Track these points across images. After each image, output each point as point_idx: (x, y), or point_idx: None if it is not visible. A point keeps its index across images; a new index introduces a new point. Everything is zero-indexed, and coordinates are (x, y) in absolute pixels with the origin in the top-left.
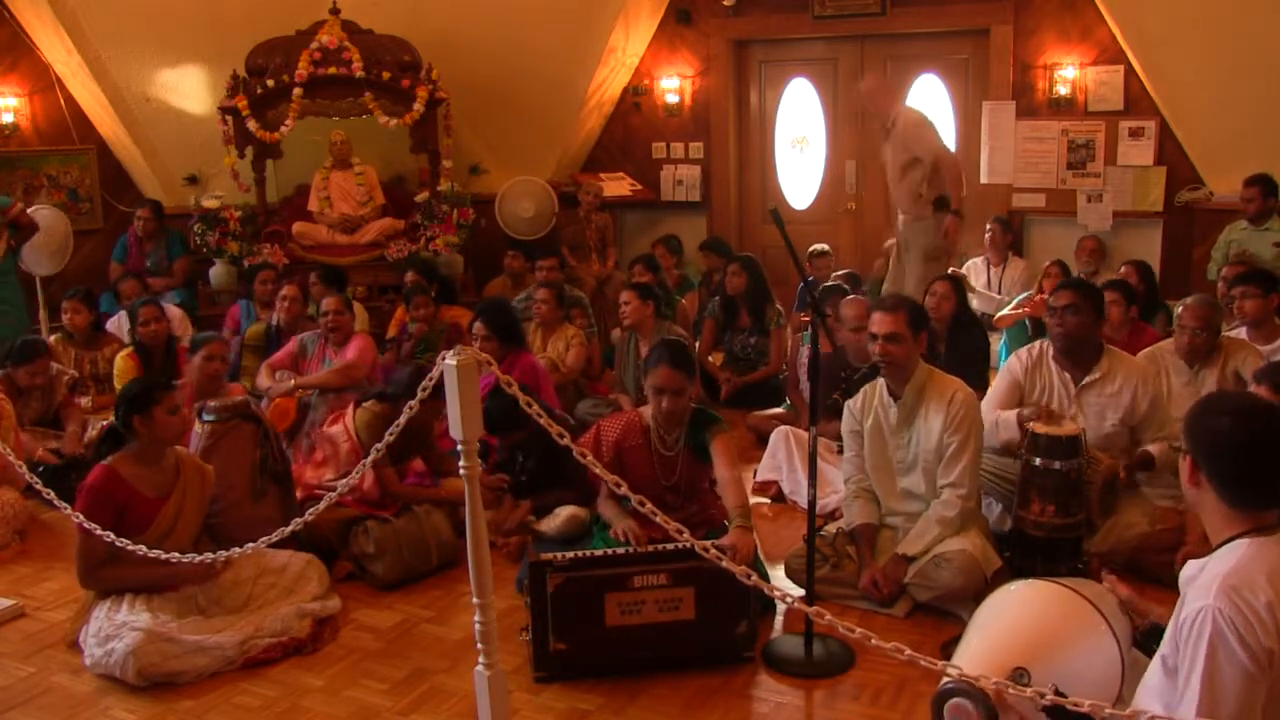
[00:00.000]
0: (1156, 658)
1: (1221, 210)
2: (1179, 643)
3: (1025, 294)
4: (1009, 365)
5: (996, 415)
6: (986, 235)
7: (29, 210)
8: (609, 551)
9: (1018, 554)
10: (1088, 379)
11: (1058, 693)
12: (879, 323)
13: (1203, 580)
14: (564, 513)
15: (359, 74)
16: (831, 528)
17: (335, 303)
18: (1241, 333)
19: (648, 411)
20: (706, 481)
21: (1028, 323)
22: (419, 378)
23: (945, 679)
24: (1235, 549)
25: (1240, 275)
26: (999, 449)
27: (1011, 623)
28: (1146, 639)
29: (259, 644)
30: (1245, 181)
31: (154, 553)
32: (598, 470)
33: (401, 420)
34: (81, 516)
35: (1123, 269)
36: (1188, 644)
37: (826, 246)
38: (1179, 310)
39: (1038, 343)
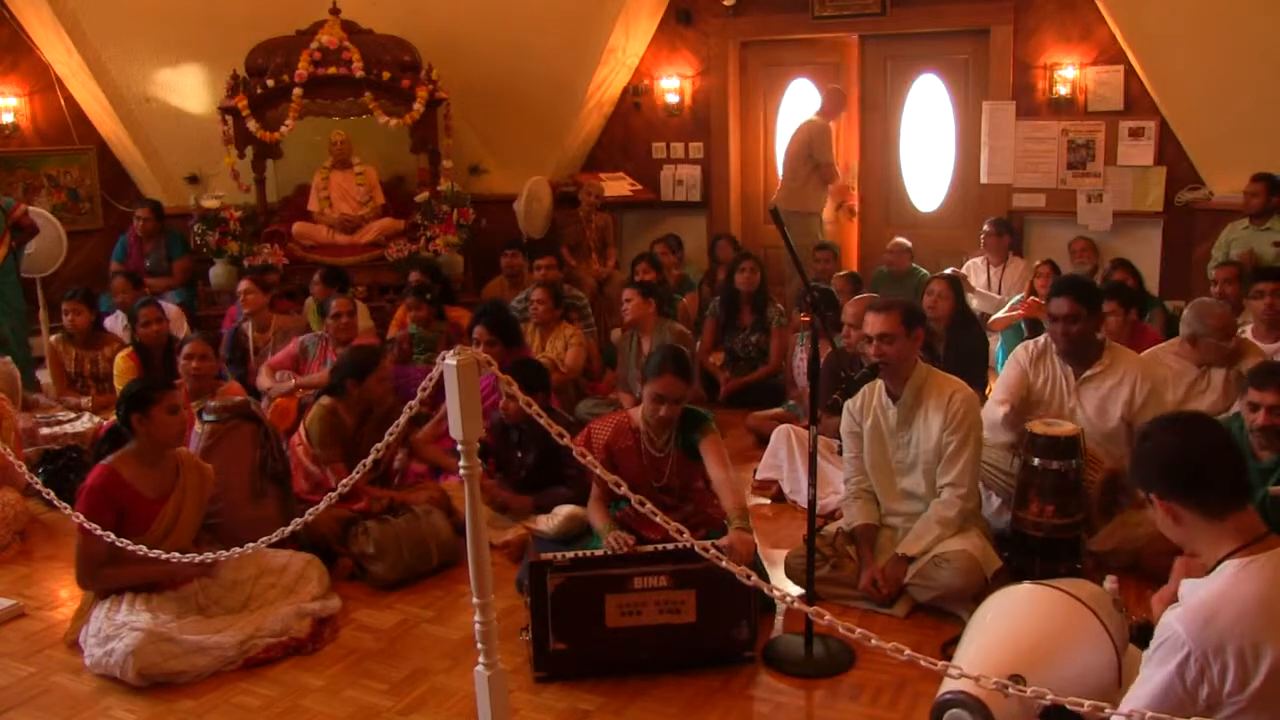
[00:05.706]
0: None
1: (1221, 210)
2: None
3: (1018, 297)
4: (1015, 356)
5: (998, 409)
6: (981, 238)
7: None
8: (609, 552)
9: (1016, 554)
10: (1088, 373)
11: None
12: (872, 324)
13: (1191, 606)
14: (563, 512)
15: (359, 74)
16: (831, 528)
17: (345, 303)
18: (1247, 331)
19: (637, 413)
20: (699, 481)
21: (1023, 325)
22: (356, 355)
23: (943, 690)
24: (1226, 573)
25: (1264, 272)
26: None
27: (1009, 628)
28: (1140, 635)
29: (259, 644)
30: (1252, 178)
31: (154, 553)
32: (597, 470)
33: (345, 419)
34: (81, 517)
35: (1113, 274)
36: (1159, 647)
37: (825, 240)
38: (1195, 319)
39: (1042, 336)
